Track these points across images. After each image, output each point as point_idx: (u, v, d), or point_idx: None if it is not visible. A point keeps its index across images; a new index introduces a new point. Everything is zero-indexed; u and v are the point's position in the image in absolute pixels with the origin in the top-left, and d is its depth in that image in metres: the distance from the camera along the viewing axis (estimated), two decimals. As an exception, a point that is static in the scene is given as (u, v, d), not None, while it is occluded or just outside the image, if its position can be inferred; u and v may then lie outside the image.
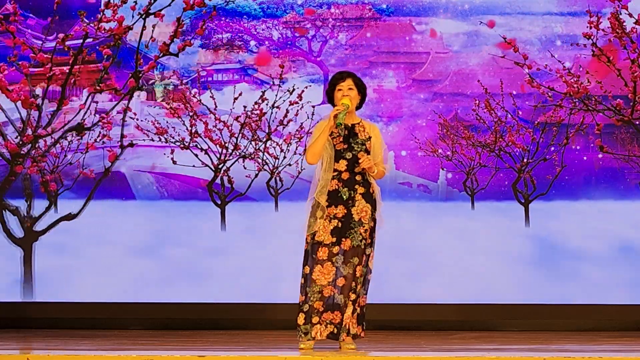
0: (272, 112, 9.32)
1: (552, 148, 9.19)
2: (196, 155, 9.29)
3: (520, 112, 9.24)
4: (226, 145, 9.32)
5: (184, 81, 9.36)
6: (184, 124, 9.33)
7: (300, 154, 9.23)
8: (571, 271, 9.02)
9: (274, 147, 9.34)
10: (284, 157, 9.32)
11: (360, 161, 6.54)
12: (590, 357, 5.91)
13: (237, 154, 9.32)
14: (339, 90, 6.62)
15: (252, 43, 9.42)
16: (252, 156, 9.32)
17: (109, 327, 8.81)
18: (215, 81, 9.39)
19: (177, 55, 9.05)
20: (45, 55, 8.81)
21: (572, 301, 8.98)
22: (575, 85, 8.97)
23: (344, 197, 6.55)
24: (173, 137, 9.31)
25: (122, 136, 9.12)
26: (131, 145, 9.09)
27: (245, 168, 9.31)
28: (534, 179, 9.19)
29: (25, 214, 9.17)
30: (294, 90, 9.30)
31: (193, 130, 9.31)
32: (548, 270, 9.05)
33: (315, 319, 6.46)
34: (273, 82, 9.32)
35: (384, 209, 6.66)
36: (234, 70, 9.41)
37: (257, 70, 9.40)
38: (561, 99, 9.05)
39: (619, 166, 9.12)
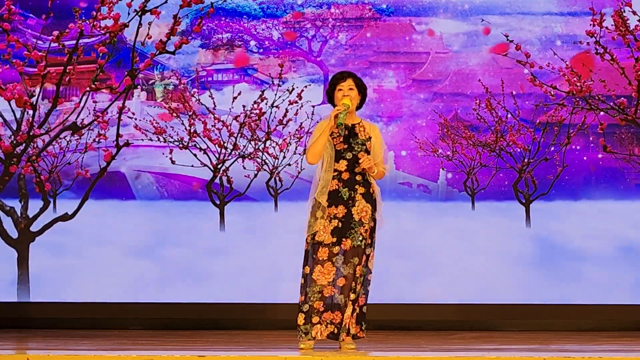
0: (271, 112, 9.32)
1: (552, 148, 9.19)
2: (195, 155, 9.29)
3: (520, 112, 9.23)
4: (225, 145, 9.31)
5: (184, 81, 9.36)
6: (182, 124, 9.33)
7: (299, 154, 9.23)
8: (571, 271, 9.02)
9: (274, 147, 9.34)
10: (284, 157, 9.32)
11: (360, 161, 6.54)
12: (590, 357, 5.91)
13: (236, 153, 9.32)
14: (340, 90, 6.62)
15: (252, 43, 9.42)
16: (252, 156, 9.32)
17: (109, 327, 8.81)
18: (215, 81, 9.39)
19: (173, 53, 8.93)
20: (40, 54, 8.67)
21: (572, 301, 8.97)
22: (578, 84, 8.93)
23: (344, 197, 6.55)
24: (172, 137, 9.31)
25: (118, 135, 9.02)
26: (127, 144, 9.02)
27: (244, 168, 9.31)
28: (535, 179, 9.19)
29: (20, 215, 9.13)
30: (293, 89, 9.30)
31: (192, 130, 9.30)
32: (548, 271, 9.04)
33: (315, 319, 6.46)
34: (272, 81, 9.32)
35: (384, 209, 6.66)
36: (233, 70, 9.41)
37: (257, 70, 9.40)
38: (563, 97, 9.03)
39: (620, 166, 9.12)
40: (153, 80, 9.43)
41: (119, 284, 9.07)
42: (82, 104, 8.99)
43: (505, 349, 6.91)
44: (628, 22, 8.84)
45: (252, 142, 9.34)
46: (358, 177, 6.58)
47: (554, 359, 6.07)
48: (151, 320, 9.01)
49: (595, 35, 8.83)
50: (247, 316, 8.94)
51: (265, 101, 9.31)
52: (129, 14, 8.73)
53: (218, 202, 9.28)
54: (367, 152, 6.59)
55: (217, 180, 9.30)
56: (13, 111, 8.90)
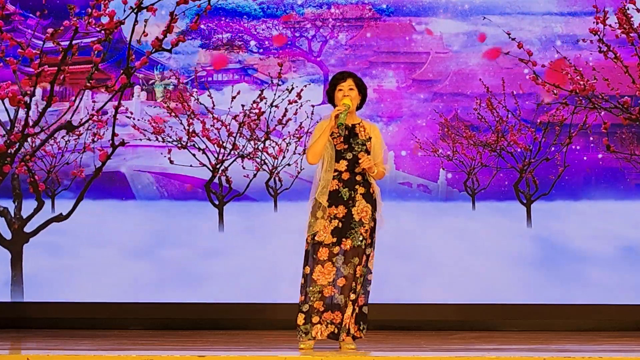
0: (270, 111, 9.32)
1: (553, 148, 9.18)
2: (194, 155, 9.28)
3: (520, 112, 9.23)
4: (224, 145, 9.31)
5: (184, 81, 9.35)
6: (181, 123, 9.32)
7: (299, 154, 9.23)
8: (572, 271, 9.02)
9: (273, 147, 9.34)
10: (283, 157, 9.31)
11: (360, 161, 6.54)
12: (590, 357, 5.91)
13: (236, 153, 9.32)
14: (340, 90, 6.61)
15: (252, 43, 9.41)
16: (251, 156, 9.32)
17: (108, 327, 8.80)
18: (215, 81, 9.39)
19: (170, 51, 8.84)
20: (34, 51, 8.54)
21: (573, 301, 8.97)
22: (581, 83, 8.89)
23: (345, 197, 6.55)
24: (170, 137, 9.31)
25: (114, 135, 8.97)
26: (122, 144, 8.95)
27: (244, 168, 9.30)
28: (536, 179, 9.19)
29: (14, 215, 9.08)
30: (292, 89, 9.30)
31: (190, 130, 9.30)
32: (548, 271, 9.04)
33: (315, 319, 6.46)
34: (272, 81, 9.32)
35: (384, 209, 6.66)
36: (233, 70, 9.41)
37: (257, 70, 9.40)
38: (566, 96, 8.99)
39: (621, 166, 9.11)
40: (153, 80, 9.42)
41: (118, 284, 9.06)
42: (77, 103, 8.89)
43: (505, 349, 6.91)
44: (632, 19, 8.79)
45: (252, 142, 9.33)
46: (358, 177, 6.58)
47: (554, 359, 6.07)
48: (151, 320, 9.00)
49: (598, 33, 8.79)
50: (247, 316, 8.94)
51: (264, 101, 9.31)
52: (124, 11, 8.62)
53: (217, 203, 9.28)
54: (368, 152, 6.59)
55: (216, 180, 9.30)
56: (7, 110, 8.83)
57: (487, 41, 9.26)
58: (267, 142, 9.33)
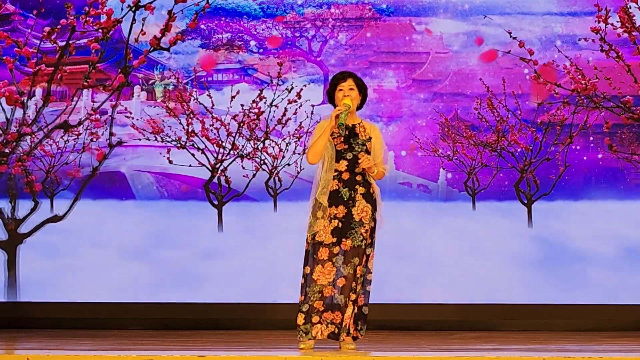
0: (270, 111, 9.32)
1: (553, 148, 9.18)
2: (193, 155, 9.28)
3: (521, 112, 9.23)
4: (223, 144, 9.31)
5: (184, 81, 9.35)
6: (180, 123, 9.32)
7: (299, 154, 9.23)
8: (572, 272, 9.01)
9: (273, 147, 9.34)
10: (283, 157, 9.31)
11: (359, 162, 6.54)
12: (590, 357, 5.91)
13: (235, 153, 9.31)
14: (340, 90, 6.62)
15: (252, 43, 9.41)
16: (250, 156, 9.32)
17: (108, 327, 8.80)
18: (215, 81, 9.39)
19: (168, 49, 8.81)
20: (31, 50, 8.50)
21: (573, 301, 8.97)
22: (582, 82, 8.87)
23: (345, 197, 6.55)
24: (169, 137, 9.30)
25: (111, 134, 8.94)
26: (120, 143, 8.94)
27: (243, 168, 9.30)
28: (536, 179, 9.18)
29: (9, 216, 9.06)
30: (292, 88, 9.29)
31: (189, 130, 9.29)
32: (549, 271, 9.04)
33: (315, 319, 6.46)
34: (271, 81, 9.31)
35: (384, 209, 6.66)
36: (233, 70, 9.41)
37: (257, 70, 9.40)
38: (568, 95, 8.97)
39: (622, 166, 9.11)
40: (153, 81, 9.42)
41: (117, 285, 9.06)
42: (74, 103, 8.85)
43: (505, 349, 6.91)
44: (634, 18, 8.76)
45: (251, 142, 9.33)
46: (358, 177, 6.58)
47: (554, 359, 6.07)
48: (151, 320, 9.00)
49: (600, 32, 8.75)
50: (247, 316, 8.94)
51: (264, 100, 9.31)
52: (122, 9, 8.58)
53: (216, 203, 9.27)
54: (368, 152, 6.59)
55: (215, 180, 9.29)
56: (4, 110, 8.81)
57: (487, 41, 9.25)
58: (267, 142, 9.32)
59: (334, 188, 6.55)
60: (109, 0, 8.62)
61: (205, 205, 9.26)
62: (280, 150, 9.31)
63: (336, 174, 6.57)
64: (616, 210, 9.08)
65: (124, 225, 9.20)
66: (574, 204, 9.15)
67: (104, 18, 8.59)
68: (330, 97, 6.69)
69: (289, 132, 9.33)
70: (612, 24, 8.74)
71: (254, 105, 9.31)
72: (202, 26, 9.34)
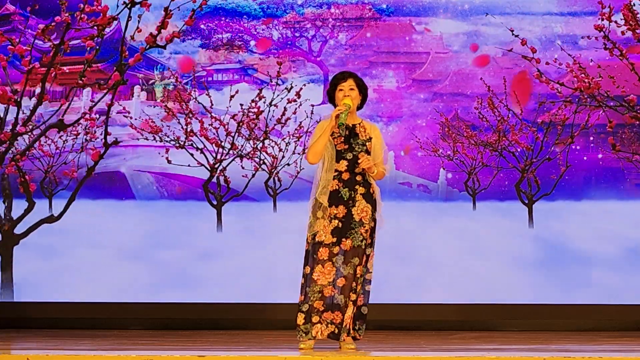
0: (269, 110, 9.31)
1: (553, 148, 9.17)
2: (192, 155, 9.27)
3: (522, 112, 9.22)
4: (222, 144, 9.30)
5: (184, 81, 9.35)
6: (179, 123, 9.31)
7: (298, 154, 9.22)
8: (573, 272, 9.01)
9: (272, 147, 9.33)
10: (282, 157, 9.31)
11: (359, 162, 6.54)
12: (590, 357, 5.91)
13: (234, 153, 9.31)
14: (340, 90, 6.61)
15: (252, 43, 9.41)
16: (250, 155, 9.31)
17: (108, 327, 8.80)
18: (215, 81, 9.38)
19: (164, 47, 8.71)
20: (25, 48, 8.32)
21: (573, 301, 8.97)
22: (586, 81, 8.83)
23: (345, 197, 6.54)
24: (168, 136, 9.30)
25: (107, 134, 8.88)
26: (115, 142, 8.87)
27: (243, 168, 9.30)
28: (537, 179, 9.18)
29: (4, 216, 9.02)
30: (291, 88, 9.29)
31: (188, 129, 9.29)
32: (550, 271, 9.03)
33: (315, 319, 6.46)
34: (271, 80, 9.31)
35: (384, 209, 6.66)
36: (233, 70, 9.41)
37: (257, 70, 9.40)
38: (570, 94, 8.94)
39: (623, 166, 9.10)
40: (153, 81, 9.42)
41: (117, 285, 9.05)
42: (70, 101, 8.75)
43: (505, 349, 6.90)
44: (638, 16, 8.71)
45: (250, 141, 9.32)
46: (358, 178, 6.58)
47: (554, 359, 6.07)
48: (151, 320, 9.00)
49: (604, 29, 8.68)
50: (247, 316, 8.93)
51: (263, 100, 9.30)
52: (117, 6, 8.45)
53: (215, 203, 9.27)
54: (368, 152, 6.59)
55: (214, 180, 9.29)
56: (-3, 109, 8.76)
57: (489, 40, 9.25)
58: (266, 142, 9.32)
59: (334, 188, 6.55)
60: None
61: (205, 205, 9.25)
62: (280, 150, 9.31)
63: (336, 174, 6.57)
64: (617, 211, 9.08)
65: (124, 225, 9.20)
66: (575, 204, 9.14)
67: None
68: (331, 97, 6.69)
69: (288, 132, 9.33)
70: (615, 22, 8.69)
71: (253, 104, 9.30)
72: (202, 26, 9.34)
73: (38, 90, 8.83)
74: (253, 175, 9.30)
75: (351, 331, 6.54)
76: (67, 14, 8.22)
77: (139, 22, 8.55)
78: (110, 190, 9.27)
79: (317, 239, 6.49)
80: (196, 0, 8.57)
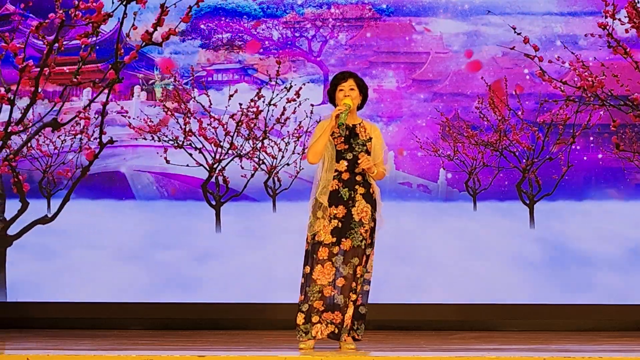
0: (269, 110, 9.31)
1: (555, 148, 9.16)
2: (190, 155, 9.27)
3: (523, 111, 9.21)
4: (221, 144, 9.30)
5: (184, 81, 9.35)
6: (177, 122, 9.31)
7: (298, 154, 9.22)
8: (573, 272, 9.01)
9: (272, 147, 9.33)
10: (282, 157, 9.30)
11: (359, 162, 6.53)
12: (590, 357, 5.90)
13: (233, 153, 9.30)
14: (341, 90, 6.61)
15: (251, 43, 9.40)
16: (249, 155, 9.31)
17: (108, 327, 8.80)
18: (215, 81, 9.38)
19: (160, 45, 8.62)
20: (18, 45, 8.10)
21: (573, 301, 8.96)
22: (589, 79, 8.80)
23: (345, 197, 6.54)
24: (166, 136, 9.29)
25: (102, 133, 8.78)
26: (111, 142, 8.80)
27: (242, 168, 9.29)
28: (539, 179, 9.17)
29: (-3, 217, 8.99)
30: (291, 87, 9.29)
31: (187, 129, 9.28)
32: (550, 271, 9.03)
33: (315, 318, 6.45)
34: (270, 80, 9.31)
35: (384, 209, 6.66)
36: (233, 70, 9.40)
37: (257, 70, 9.40)
38: (573, 93, 8.90)
39: (623, 166, 9.10)
40: (153, 81, 9.42)
41: (117, 285, 9.05)
42: (63, 100, 8.66)
43: (505, 349, 6.90)
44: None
45: (250, 141, 9.32)
46: (358, 178, 6.58)
47: (554, 359, 6.07)
48: (151, 320, 9.00)
49: (607, 27, 8.49)
50: (247, 316, 8.93)
51: (262, 99, 9.30)
52: (112, 2, 8.28)
53: (214, 203, 9.26)
54: (368, 152, 6.58)
55: (213, 180, 9.28)
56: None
57: (488, 40, 9.25)
58: (266, 142, 9.31)
59: (334, 188, 6.55)
60: (99, -7, 8.45)
61: (205, 205, 9.25)
62: (280, 150, 9.30)
63: (336, 174, 6.57)
64: (617, 211, 9.07)
65: (124, 225, 9.20)
66: (576, 204, 9.13)
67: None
68: (331, 97, 6.69)
69: (288, 131, 9.32)
70: (619, 19, 8.63)
71: (253, 104, 9.30)
72: (202, 26, 9.34)
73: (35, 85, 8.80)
74: (252, 175, 9.30)
75: (351, 331, 6.54)
76: (61, 11, 8.12)
77: (134, 19, 8.46)
78: (110, 190, 9.27)
79: (316, 239, 6.49)
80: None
